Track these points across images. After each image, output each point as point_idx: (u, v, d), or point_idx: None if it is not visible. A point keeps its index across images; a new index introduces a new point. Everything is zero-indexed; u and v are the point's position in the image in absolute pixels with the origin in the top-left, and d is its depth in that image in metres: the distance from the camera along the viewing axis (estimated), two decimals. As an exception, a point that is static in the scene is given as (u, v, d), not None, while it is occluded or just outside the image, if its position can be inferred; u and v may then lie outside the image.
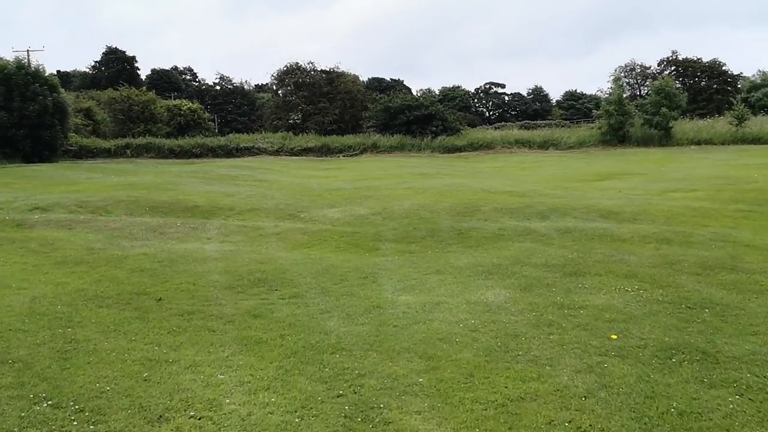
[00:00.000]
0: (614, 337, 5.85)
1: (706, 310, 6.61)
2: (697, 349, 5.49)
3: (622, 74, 67.15)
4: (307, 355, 5.51)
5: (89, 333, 6.05)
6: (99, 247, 10.09)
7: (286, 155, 46.46)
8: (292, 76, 61.73)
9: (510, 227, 11.81)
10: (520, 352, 5.53)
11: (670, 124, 45.35)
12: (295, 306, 7.03)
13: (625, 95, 49.70)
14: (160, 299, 7.22)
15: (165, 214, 14.01)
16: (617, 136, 46.17)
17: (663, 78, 55.81)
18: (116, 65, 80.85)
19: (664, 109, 44.78)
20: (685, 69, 68.74)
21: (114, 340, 5.86)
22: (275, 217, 14.01)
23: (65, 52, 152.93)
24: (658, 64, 71.43)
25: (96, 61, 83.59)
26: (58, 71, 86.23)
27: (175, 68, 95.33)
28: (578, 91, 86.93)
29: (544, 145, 46.86)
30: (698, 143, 43.93)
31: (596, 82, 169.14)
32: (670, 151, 39.43)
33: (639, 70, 72.14)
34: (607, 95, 51.91)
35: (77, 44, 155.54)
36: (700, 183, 19.31)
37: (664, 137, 45.34)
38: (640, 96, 64.10)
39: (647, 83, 69.07)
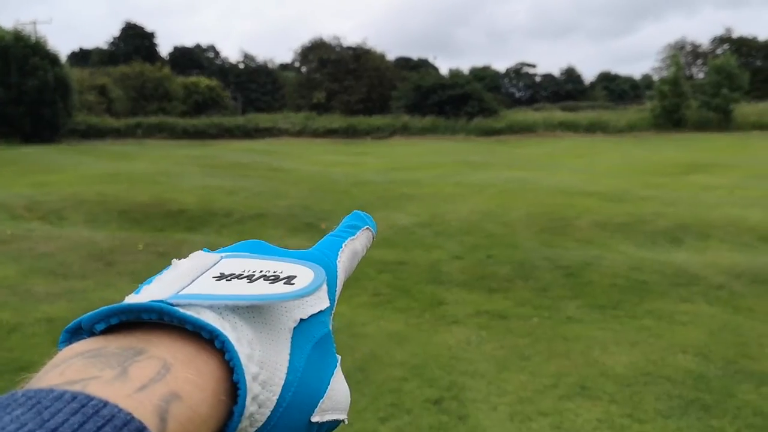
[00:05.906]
0: None
1: None
2: None
3: (672, 53, 62.12)
4: None
5: None
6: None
7: (309, 137, 42.68)
8: (317, 52, 57.57)
9: (643, 263, 7.59)
10: None
11: (731, 107, 41.12)
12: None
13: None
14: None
15: (136, 222, 10.23)
16: (672, 120, 41.94)
17: (723, 55, 50.94)
18: (134, 41, 77.19)
19: (725, 91, 40.91)
20: (739, 47, 63.32)
21: None
22: (286, 228, 10.19)
23: (95, 29, 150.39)
24: (711, 42, 66.22)
25: (114, 37, 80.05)
26: (81, 48, 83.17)
27: (198, 46, 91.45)
28: (612, 72, 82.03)
29: (590, 129, 42.80)
30: (761, 128, 39.39)
31: (633, 63, 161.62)
32: (737, 137, 34.63)
33: (690, 49, 66.72)
34: (660, 74, 47.61)
35: (109, 22, 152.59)
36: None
37: (723, 121, 41.11)
38: (691, 77, 59.19)
39: (698, 62, 64.06)
